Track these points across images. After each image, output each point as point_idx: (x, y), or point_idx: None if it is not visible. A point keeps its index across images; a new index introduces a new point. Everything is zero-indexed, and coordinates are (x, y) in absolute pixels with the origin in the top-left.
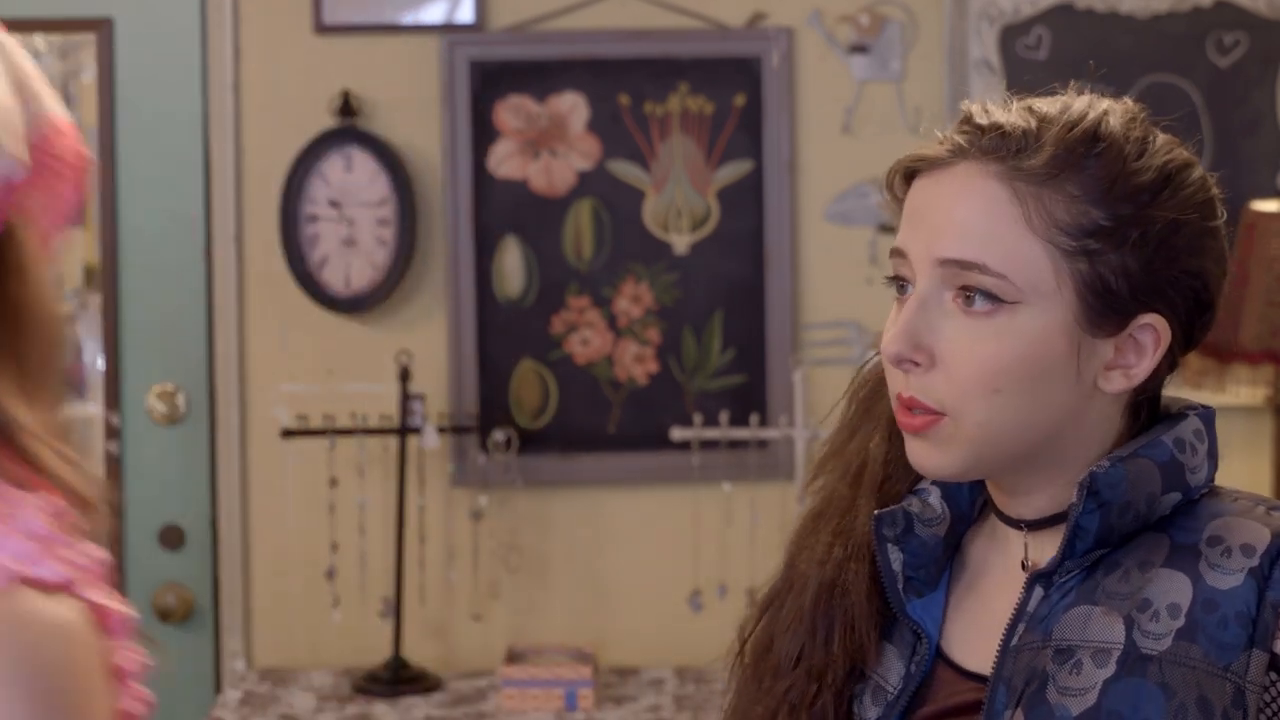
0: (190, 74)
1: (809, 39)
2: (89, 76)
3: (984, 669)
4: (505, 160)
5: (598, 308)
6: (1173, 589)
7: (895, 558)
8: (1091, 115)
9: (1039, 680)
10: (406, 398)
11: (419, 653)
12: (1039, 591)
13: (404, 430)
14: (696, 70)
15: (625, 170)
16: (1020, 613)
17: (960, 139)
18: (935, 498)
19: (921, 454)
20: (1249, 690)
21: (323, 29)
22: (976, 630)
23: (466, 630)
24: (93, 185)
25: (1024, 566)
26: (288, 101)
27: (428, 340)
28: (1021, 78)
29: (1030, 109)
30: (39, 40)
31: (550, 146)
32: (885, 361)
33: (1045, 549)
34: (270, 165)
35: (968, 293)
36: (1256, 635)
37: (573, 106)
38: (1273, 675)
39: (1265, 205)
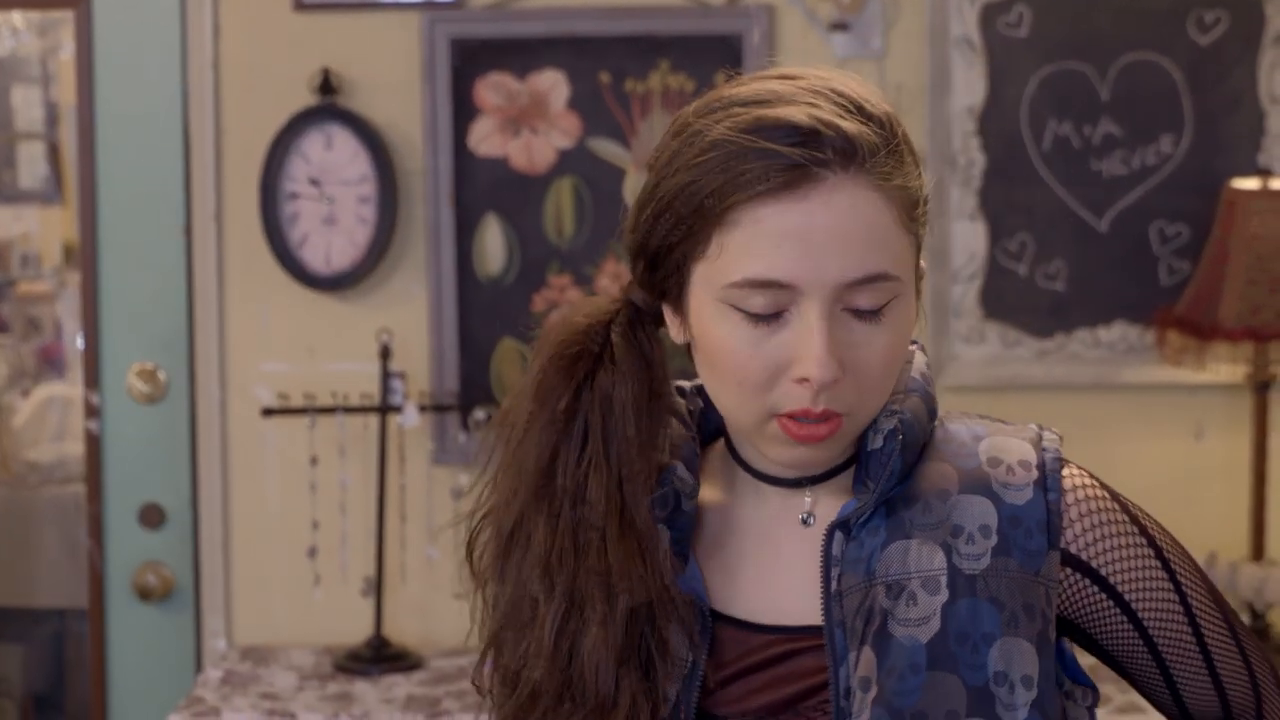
0: (169, 51)
1: (790, 16)
2: (67, 54)
3: (779, 619)
4: (486, 138)
5: (579, 286)
6: (978, 512)
7: (665, 536)
8: (880, 98)
9: (879, 617)
10: (387, 376)
11: (400, 631)
12: (839, 537)
13: (385, 409)
14: (677, 48)
15: (606, 148)
16: (828, 559)
17: (811, 153)
18: (683, 470)
19: (812, 457)
20: (1050, 588)
21: (302, 6)
22: (753, 584)
23: (448, 609)
24: (72, 163)
25: (806, 521)
26: (267, 79)
27: (408, 318)
28: (1002, 56)
29: (843, 105)
30: (17, 17)
31: (531, 124)
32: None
33: (825, 499)
34: (250, 143)
35: (864, 300)
36: (1050, 538)
37: (553, 84)
38: (1066, 570)
39: (1245, 183)
